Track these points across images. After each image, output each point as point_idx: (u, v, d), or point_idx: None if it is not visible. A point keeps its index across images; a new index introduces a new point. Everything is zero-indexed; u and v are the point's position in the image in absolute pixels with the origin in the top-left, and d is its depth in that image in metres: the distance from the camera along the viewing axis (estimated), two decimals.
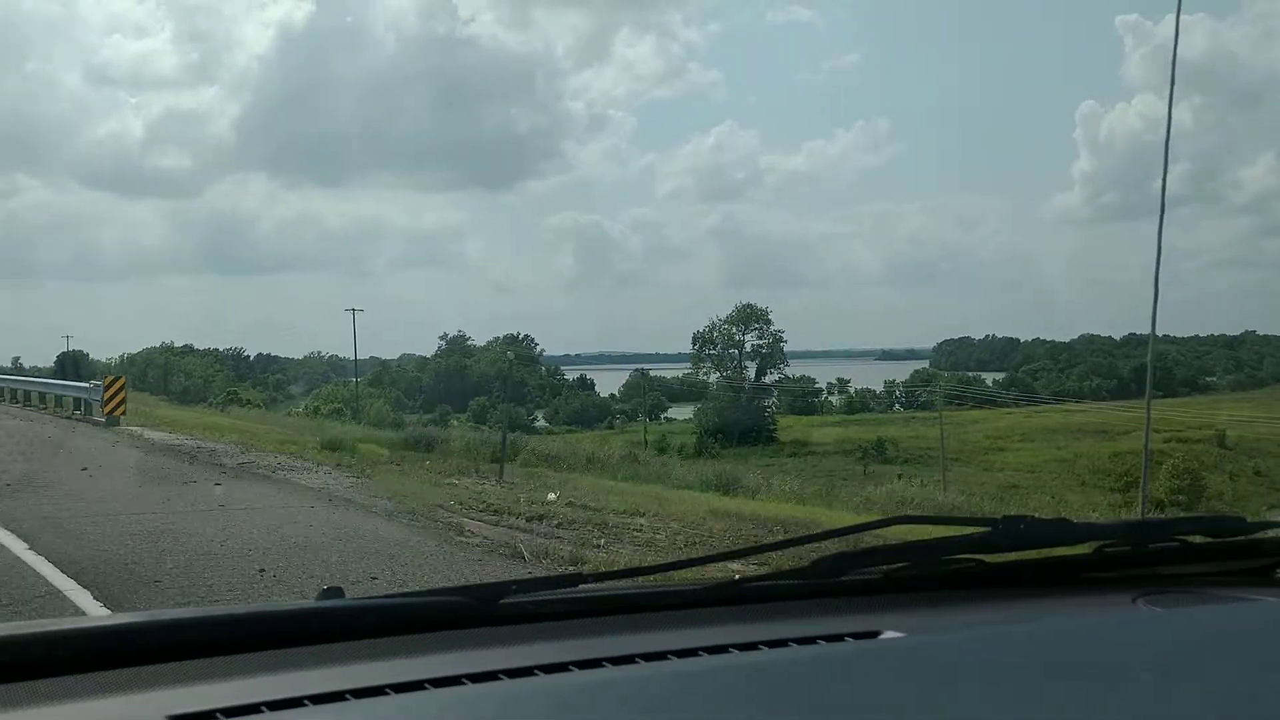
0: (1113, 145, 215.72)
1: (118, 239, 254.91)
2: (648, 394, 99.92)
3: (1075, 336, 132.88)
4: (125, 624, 1.50)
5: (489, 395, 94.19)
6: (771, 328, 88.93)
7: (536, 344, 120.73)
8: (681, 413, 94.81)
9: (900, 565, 1.80)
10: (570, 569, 8.71)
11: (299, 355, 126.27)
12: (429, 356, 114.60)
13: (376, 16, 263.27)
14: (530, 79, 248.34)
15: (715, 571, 1.78)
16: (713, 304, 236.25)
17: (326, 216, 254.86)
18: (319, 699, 1.24)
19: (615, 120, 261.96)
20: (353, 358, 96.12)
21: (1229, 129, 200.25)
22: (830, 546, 3.15)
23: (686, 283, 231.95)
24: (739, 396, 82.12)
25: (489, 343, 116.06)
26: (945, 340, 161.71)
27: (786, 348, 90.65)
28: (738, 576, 1.89)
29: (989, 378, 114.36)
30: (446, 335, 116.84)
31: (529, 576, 1.63)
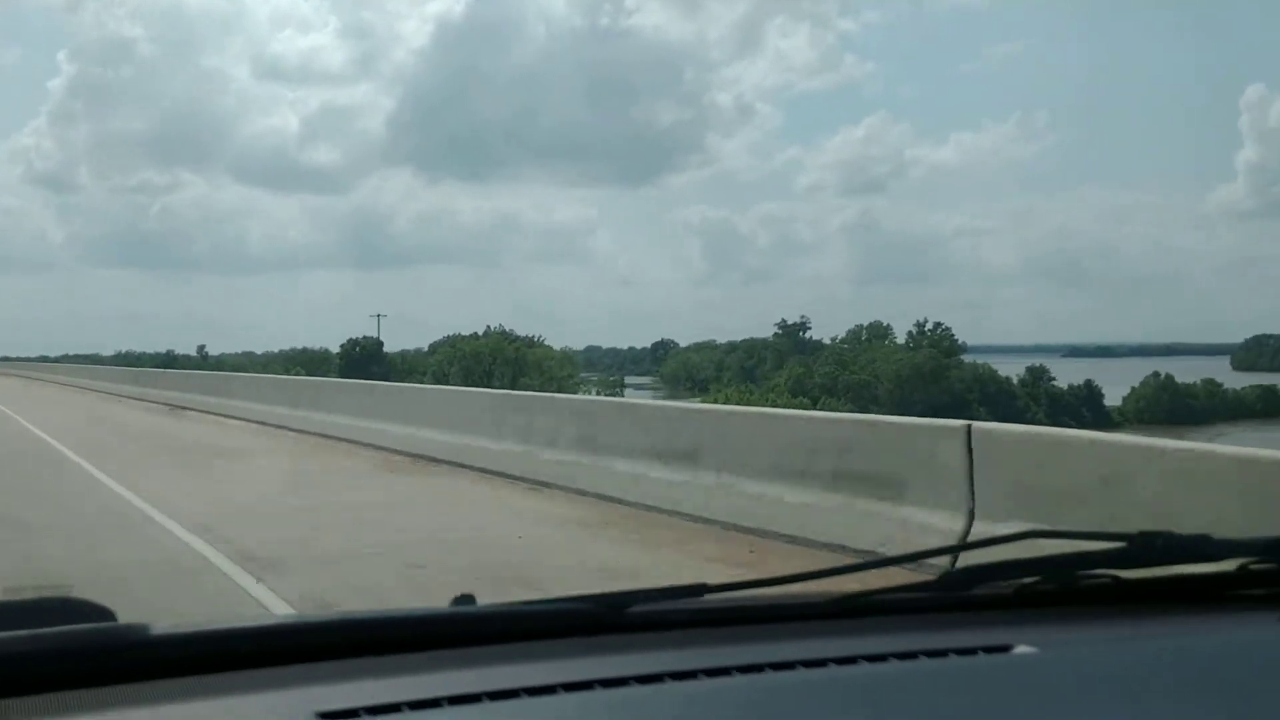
0: None
1: (265, 234, 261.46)
2: None
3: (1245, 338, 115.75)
4: (277, 625, 1.58)
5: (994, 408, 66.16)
6: None
7: (954, 335, 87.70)
8: None
9: (1032, 580, 1.78)
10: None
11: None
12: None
13: (534, 8, 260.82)
14: (679, 71, 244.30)
15: (842, 584, 1.78)
16: (840, 300, 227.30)
17: (463, 211, 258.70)
18: (456, 700, 1.29)
19: (762, 113, 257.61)
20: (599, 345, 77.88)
21: None
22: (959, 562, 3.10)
23: (815, 276, 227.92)
24: None
25: (849, 331, 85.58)
26: (1261, 335, 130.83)
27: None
28: (865, 589, 1.89)
29: None
30: (785, 321, 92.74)
31: (655, 587, 1.65)
